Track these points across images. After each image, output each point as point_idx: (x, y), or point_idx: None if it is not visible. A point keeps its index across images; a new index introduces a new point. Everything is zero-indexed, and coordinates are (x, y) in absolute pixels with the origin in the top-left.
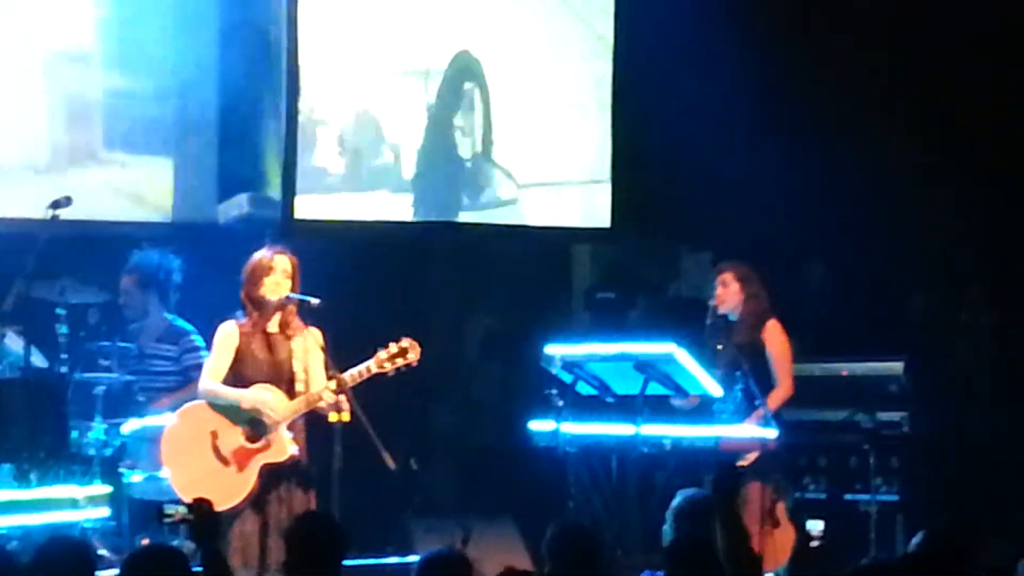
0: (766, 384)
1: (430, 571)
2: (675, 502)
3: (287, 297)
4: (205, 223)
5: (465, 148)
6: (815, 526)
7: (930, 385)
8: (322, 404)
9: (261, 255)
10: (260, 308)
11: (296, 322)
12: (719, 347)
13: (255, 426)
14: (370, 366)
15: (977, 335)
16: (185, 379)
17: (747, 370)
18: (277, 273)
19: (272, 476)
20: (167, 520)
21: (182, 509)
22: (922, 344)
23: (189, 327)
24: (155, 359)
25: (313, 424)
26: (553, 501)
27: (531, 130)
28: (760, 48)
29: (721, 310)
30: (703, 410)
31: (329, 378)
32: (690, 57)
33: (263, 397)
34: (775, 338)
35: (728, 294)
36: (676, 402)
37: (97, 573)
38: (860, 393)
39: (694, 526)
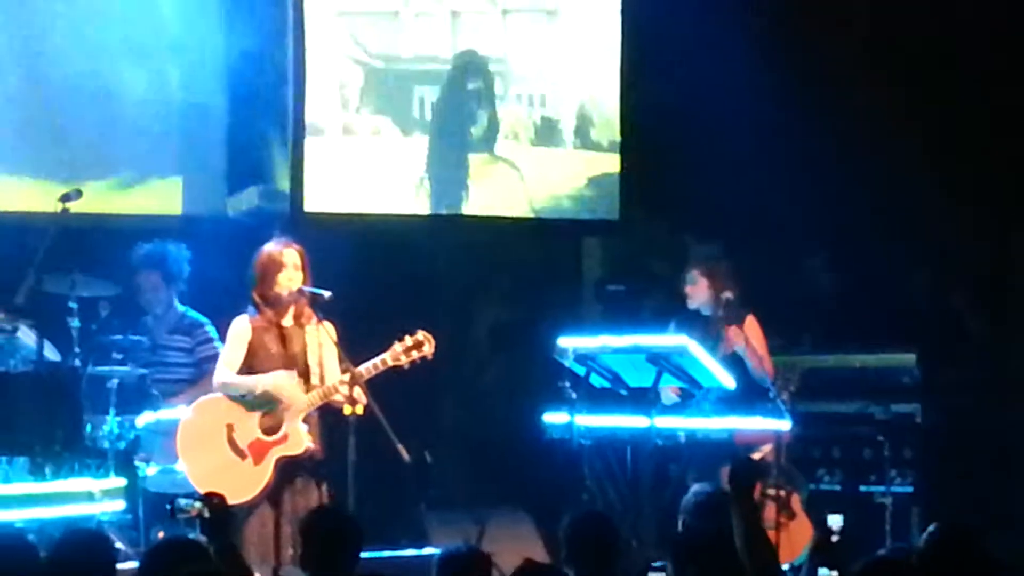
0: (743, 373)
1: (449, 567)
2: (686, 497)
3: (300, 290)
4: (214, 216)
5: (472, 143)
6: (835, 521)
7: (943, 376)
8: (338, 397)
9: (270, 251)
10: (275, 305)
11: (309, 314)
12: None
13: (269, 420)
14: (386, 359)
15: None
16: (199, 371)
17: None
18: (289, 267)
19: (288, 469)
20: (180, 516)
21: (195, 504)
22: (934, 335)
23: (203, 319)
24: (169, 351)
25: (328, 417)
26: (568, 493)
27: (538, 123)
28: (772, 41)
29: (691, 305)
30: (685, 401)
31: (343, 371)
32: (700, 49)
33: (280, 380)
34: (755, 332)
35: (697, 290)
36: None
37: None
38: (873, 385)
39: (706, 520)
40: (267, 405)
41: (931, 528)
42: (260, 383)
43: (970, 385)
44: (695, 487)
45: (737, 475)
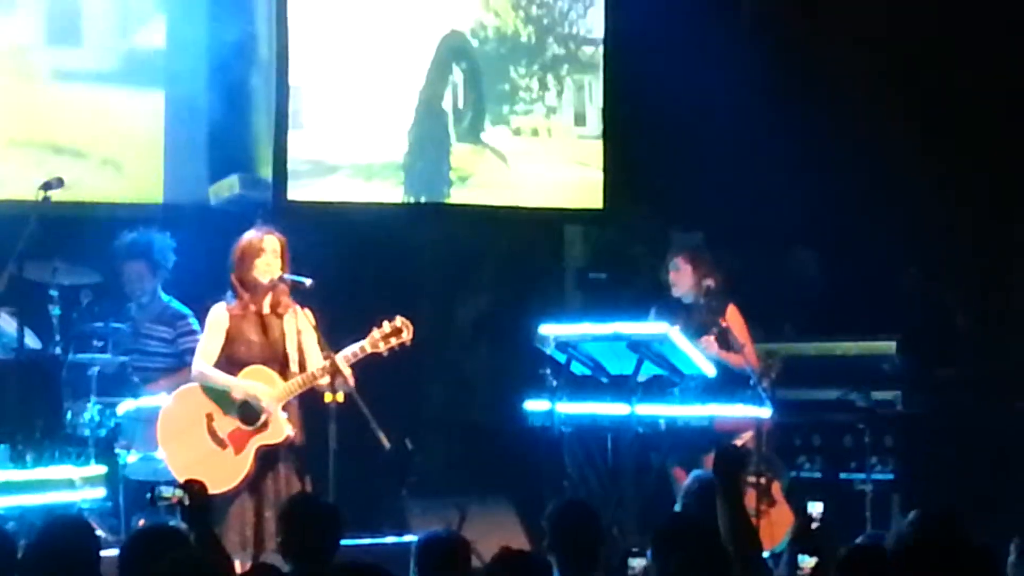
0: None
1: (428, 553)
2: (685, 483)
3: (280, 278)
4: (196, 204)
5: (455, 129)
6: (815, 508)
7: (923, 364)
8: (322, 383)
9: (250, 237)
10: (252, 291)
11: (288, 302)
12: (685, 330)
13: (248, 409)
14: (364, 346)
15: (969, 314)
16: (179, 362)
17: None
18: (268, 254)
19: (269, 458)
20: (160, 503)
21: (176, 491)
22: (915, 323)
23: (186, 310)
24: (150, 339)
25: (308, 405)
26: (548, 481)
27: (520, 111)
28: (758, 33)
29: (675, 293)
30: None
31: (325, 358)
32: (684, 37)
33: (254, 389)
34: (737, 321)
35: (680, 277)
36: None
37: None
38: (854, 372)
39: (707, 506)
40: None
41: (913, 514)
42: (235, 389)
43: (951, 373)
44: (696, 472)
45: (723, 462)
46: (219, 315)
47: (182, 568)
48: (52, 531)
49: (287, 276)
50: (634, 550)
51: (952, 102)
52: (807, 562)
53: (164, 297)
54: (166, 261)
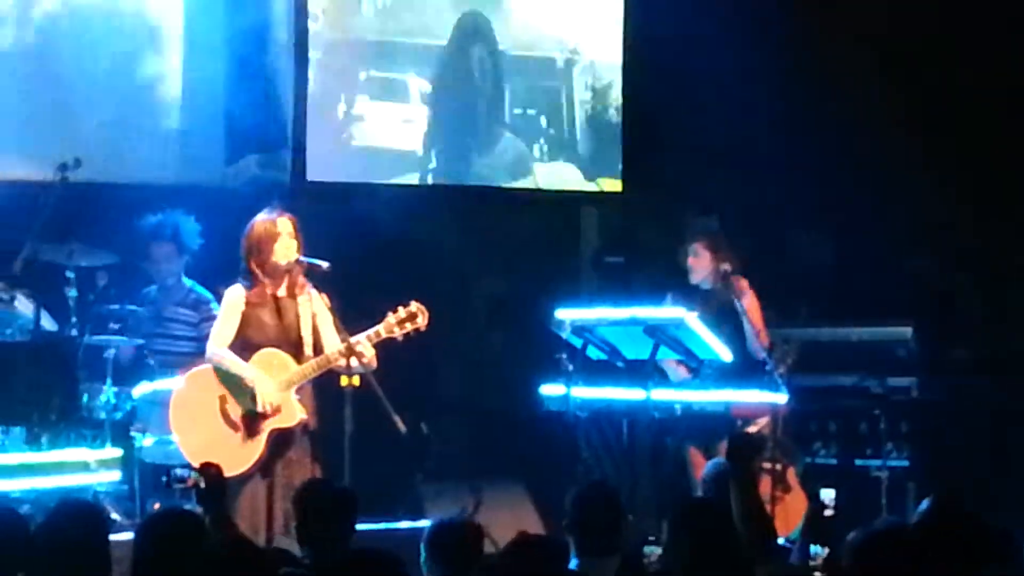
0: (741, 347)
1: (441, 538)
2: (703, 472)
3: (298, 260)
4: (213, 186)
5: (477, 111)
6: (828, 495)
7: (939, 350)
8: (339, 365)
9: (263, 222)
10: (272, 275)
11: (303, 284)
12: (702, 315)
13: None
14: (379, 330)
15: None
16: (202, 346)
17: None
18: (284, 236)
19: (281, 441)
20: (176, 486)
21: (191, 474)
22: (931, 308)
23: (209, 295)
24: (174, 323)
25: (324, 389)
26: (564, 466)
27: (541, 90)
28: (774, 19)
29: (694, 280)
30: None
31: (342, 341)
32: (703, 22)
33: (260, 386)
34: (753, 304)
35: (699, 263)
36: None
37: (109, 537)
38: (869, 358)
39: (718, 493)
40: None
41: (927, 500)
42: (245, 376)
43: (966, 359)
44: (714, 460)
45: (736, 448)
46: (235, 297)
47: (198, 551)
48: (61, 514)
49: (304, 259)
50: (651, 538)
51: (960, 91)
52: (819, 553)
53: (187, 281)
54: (193, 244)
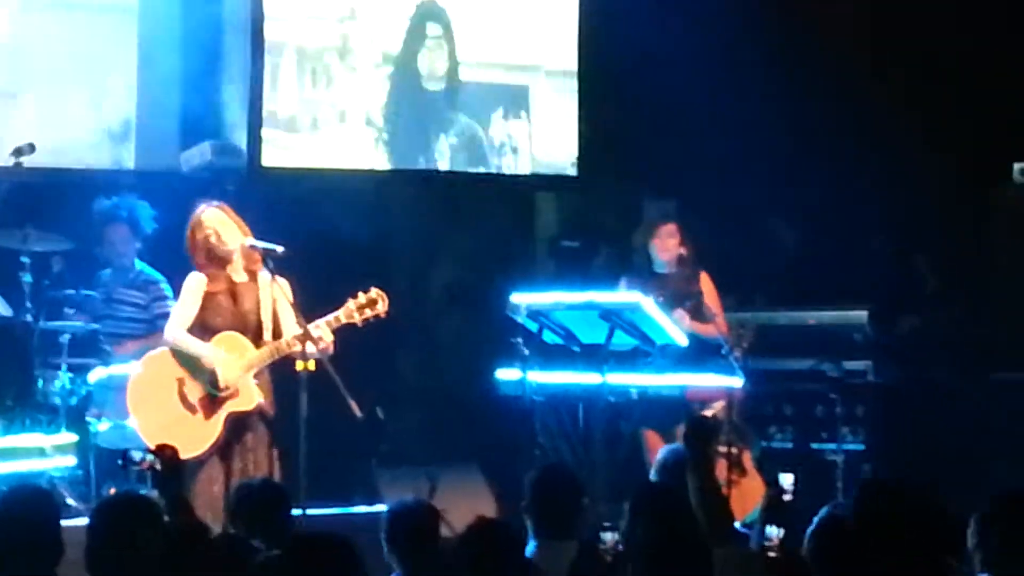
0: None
1: (398, 522)
2: (658, 457)
3: (252, 246)
4: (168, 171)
5: (431, 90)
6: (786, 480)
7: (895, 334)
8: (297, 348)
9: (192, 224)
10: (222, 261)
11: (261, 269)
12: (659, 299)
13: (218, 376)
14: (339, 316)
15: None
16: (151, 327)
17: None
18: (214, 229)
19: (240, 425)
20: (132, 467)
21: (147, 456)
22: (887, 293)
23: (159, 276)
24: (123, 305)
25: (279, 373)
26: (520, 450)
27: (496, 70)
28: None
29: (660, 259)
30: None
31: (300, 327)
32: (659, 6)
33: (219, 366)
34: (709, 290)
35: (671, 246)
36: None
37: (63, 522)
38: (825, 342)
39: (674, 478)
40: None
41: (858, 488)
42: (203, 358)
43: (922, 342)
44: (669, 446)
45: (693, 432)
46: (197, 281)
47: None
48: (12, 499)
49: (258, 244)
50: (606, 524)
51: (923, 66)
52: (775, 534)
53: (139, 264)
54: (147, 226)
